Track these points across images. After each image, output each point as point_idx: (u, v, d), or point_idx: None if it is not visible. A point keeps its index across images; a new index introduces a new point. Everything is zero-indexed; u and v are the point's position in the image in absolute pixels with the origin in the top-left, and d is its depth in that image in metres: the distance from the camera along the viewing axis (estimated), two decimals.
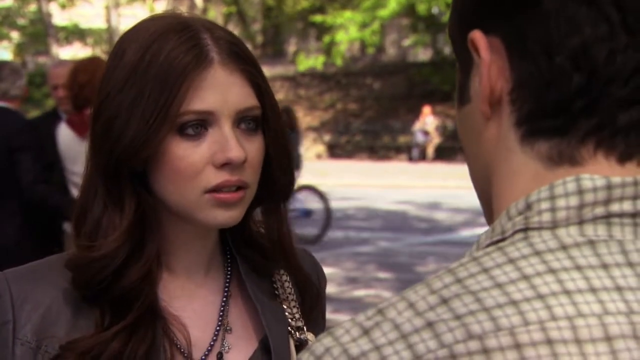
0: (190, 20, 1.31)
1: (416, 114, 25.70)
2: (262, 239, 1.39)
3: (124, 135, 1.25)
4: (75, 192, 4.22)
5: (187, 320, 1.33)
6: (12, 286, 1.28)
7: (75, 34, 33.19)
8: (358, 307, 8.12)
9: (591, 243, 0.71)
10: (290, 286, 1.42)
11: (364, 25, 25.04)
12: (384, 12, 24.50)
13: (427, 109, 25.08)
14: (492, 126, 0.78)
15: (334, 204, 12.41)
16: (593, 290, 0.68)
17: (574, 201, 0.72)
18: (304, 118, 28.64)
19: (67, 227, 4.66)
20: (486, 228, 0.79)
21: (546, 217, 0.72)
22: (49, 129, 4.85)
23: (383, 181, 20.06)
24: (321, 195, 12.06)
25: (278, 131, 1.33)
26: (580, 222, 0.72)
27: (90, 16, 33.20)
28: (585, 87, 0.73)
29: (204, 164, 1.26)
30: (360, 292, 8.81)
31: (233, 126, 1.27)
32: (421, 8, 24.27)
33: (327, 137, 28.09)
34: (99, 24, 33.22)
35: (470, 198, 10.81)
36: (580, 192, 0.72)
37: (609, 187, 0.72)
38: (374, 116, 28.22)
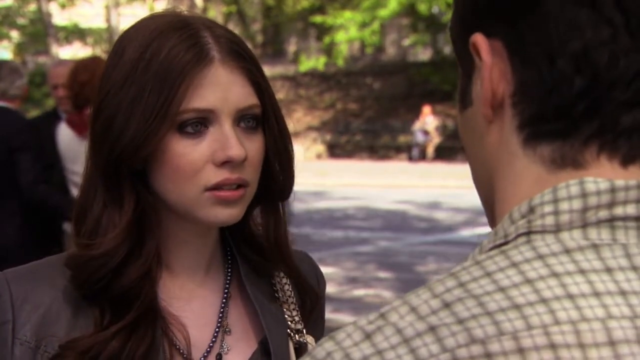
0: (191, 18, 1.31)
1: (416, 113, 25.70)
2: (261, 238, 1.39)
3: (123, 133, 1.25)
4: (75, 191, 4.22)
5: (186, 321, 1.33)
6: (12, 286, 1.28)
7: (75, 33, 33.20)
8: (358, 306, 8.12)
9: (595, 247, 0.70)
10: (290, 289, 1.41)
11: (363, 25, 25.05)
12: (383, 12, 24.50)
13: (427, 109, 25.08)
14: (494, 129, 0.77)
15: (334, 204, 12.42)
16: (597, 294, 0.68)
17: (577, 204, 0.72)
18: (304, 118, 28.65)
19: (67, 227, 4.66)
20: (486, 228, 0.78)
21: (549, 220, 0.72)
22: (49, 128, 4.85)
23: (383, 181, 20.06)
24: None
25: (278, 130, 1.33)
26: (584, 226, 0.72)
27: (90, 16, 33.21)
28: (587, 90, 0.72)
29: (204, 162, 1.26)
30: (360, 292, 8.81)
31: (233, 124, 1.27)
32: (422, 8, 24.28)
33: (327, 137, 28.09)
34: (99, 23, 33.23)
35: (470, 198, 10.82)
36: (584, 195, 0.72)
37: (613, 190, 0.72)
38: (374, 116, 28.22)
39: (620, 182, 0.72)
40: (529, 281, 0.68)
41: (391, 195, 17.38)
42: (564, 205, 0.72)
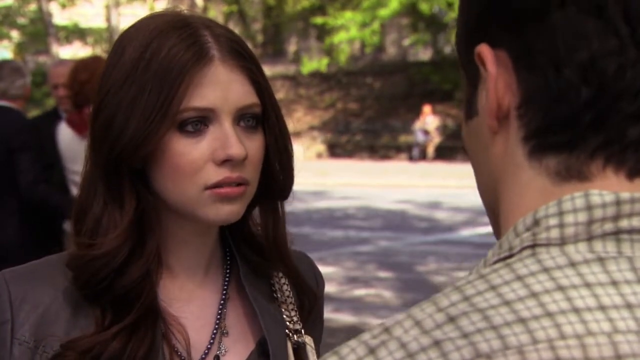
0: (190, 17, 1.31)
1: (416, 113, 25.71)
2: (261, 238, 1.39)
3: (124, 132, 1.25)
4: (75, 191, 4.22)
5: (185, 322, 1.33)
6: (10, 286, 1.28)
7: (76, 33, 33.20)
8: (358, 306, 8.12)
9: (600, 260, 0.70)
10: (289, 289, 1.41)
11: (364, 25, 25.05)
12: (384, 12, 24.50)
13: (427, 109, 25.09)
14: (500, 141, 0.76)
15: (335, 203, 12.42)
16: (602, 308, 0.67)
17: (582, 217, 0.71)
18: (305, 117, 28.66)
19: (68, 226, 4.66)
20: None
21: (554, 233, 0.71)
22: (49, 128, 4.84)
23: (383, 180, 20.06)
24: None
25: (278, 129, 1.33)
26: (589, 239, 0.71)
27: (91, 15, 33.22)
28: (593, 101, 0.72)
29: (205, 161, 1.26)
30: (360, 292, 8.81)
31: (233, 123, 1.27)
32: (424, 7, 24.27)
33: (327, 137, 28.09)
34: (99, 23, 33.23)
35: (470, 197, 10.79)
36: (589, 208, 0.71)
37: (618, 202, 0.71)
38: (374, 115, 28.22)
39: (625, 195, 0.71)
40: (534, 295, 0.68)
41: (391, 195, 17.38)
42: (569, 218, 0.71)
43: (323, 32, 28.86)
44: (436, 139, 25.32)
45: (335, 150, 27.56)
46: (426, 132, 25.22)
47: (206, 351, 1.34)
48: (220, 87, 1.26)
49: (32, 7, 32.44)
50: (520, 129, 0.75)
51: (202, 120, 1.26)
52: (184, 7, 1.49)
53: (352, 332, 6.93)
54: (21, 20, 33.47)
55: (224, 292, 1.38)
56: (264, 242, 1.38)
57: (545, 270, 0.69)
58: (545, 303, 0.67)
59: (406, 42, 30.01)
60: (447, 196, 16.76)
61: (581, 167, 0.73)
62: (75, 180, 4.55)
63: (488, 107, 0.76)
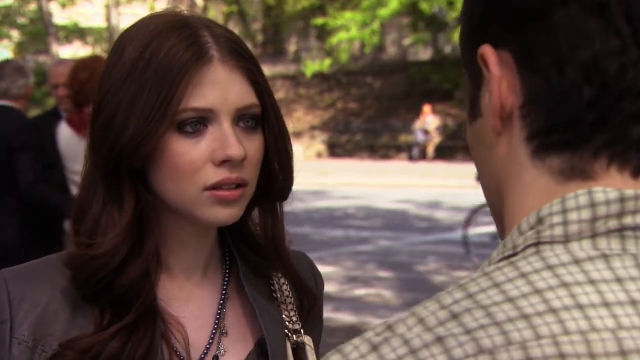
0: (190, 18, 1.31)
1: (417, 113, 25.71)
2: (260, 239, 1.39)
3: (123, 133, 1.25)
4: (76, 191, 4.22)
5: (185, 322, 1.33)
6: (9, 286, 1.28)
7: (76, 33, 33.21)
8: (358, 306, 8.12)
9: (605, 257, 0.70)
10: (289, 289, 1.41)
11: (364, 25, 25.05)
12: (384, 12, 24.50)
13: (427, 108, 25.09)
14: (503, 141, 0.77)
15: (335, 203, 12.42)
16: (607, 304, 0.67)
17: (586, 215, 0.71)
18: (305, 117, 28.65)
19: (68, 226, 4.66)
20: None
21: (558, 231, 0.71)
22: (49, 128, 4.84)
23: (383, 180, 20.06)
24: None
25: (278, 130, 1.33)
26: (594, 236, 0.71)
27: (91, 15, 33.22)
28: (596, 101, 0.72)
29: (204, 161, 1.26)
30: (360, 292, 8.81)
31: (232, 124, 1.27)
32: (424, 7, 24.27)
33: (327, 136, 28.09)
34: (99, 23, 33.24)
35: (470, 197, 10.80)
36: (593, 205, 0.71)
37: (622, 200, 0.71)
38: (374, 115, 28.23)
39: (629, 192, 0.71)
40: (538, 292, 0.68)
41: (391, 194, 17.38)
42: (573, 216, 0.71)
43: (323, 32, 28.87)
44: (436, 139, 25.32)
45: (335, 150, 27.57)
46: (426, 132, 25.22)
47: (205, 351, 1.34)
48: (220, 88, 1.26)
49: (32, 6, 32.45)
50: (523, 129, 0.75)
51: (201, 121, 1.26)
52: (184, 8, 1.49)
53: (352, 331, 6.93)
54: (21, 20, 33.48)
55: (224, 292, 1.38)
56: (262, 242, 1.38)
57: (549, 267, 0.69)
58: (549, 300, 0.67)
59: (406, 41, 30.02)
60: (447, 196, 16.76)
61: (585, 167, 0.73)
62: (75, 180, 4.55)
63: (492, 108, 0.76)
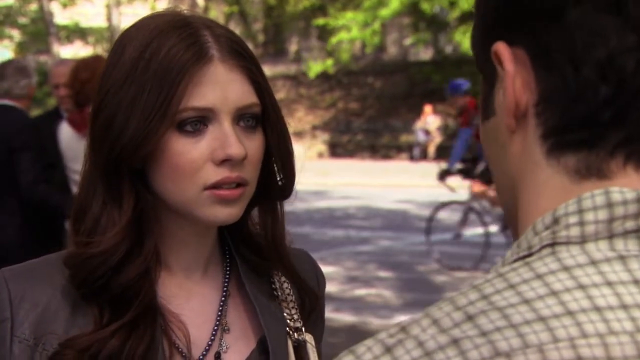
0: (190, 17, 1.31)
1: (417, 113, 25.69)
2: (260, 238, 1.39)
3: (123, 132, 1.25)
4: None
5: (185, 319, 1.33)
6: (10, 284, 1.28)
7: (76, 32, 33.21)
8: (359, 306, 8.12)
9: (622, 258, 0.69)
10: (289, 287, 1.41)
11: (365, 25, 25.04)
12: (385, 12, 24.50)
13: (428, 108, 25.07)
14: (517, 139, 0.76)
15: (335, 203, 12.42)
16: (625, 307, 0.66)
17: (603, 215, 0.70)
18: (306, 117, 28.65)
19: (68, 225, 4.66)
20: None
21: (574, 231, 0.70)
22: (50, 128, 4.84)
23: (384, 180, 20.05)
24: None
25: (278, 129, 1.33)
26: (610, 237, 0.70)
27: (91, 15, 33.22)
28: (612, 98, 0.71)
29: (204, 160, 1.26)
30: (361, 292, 8.81)
31: (233, 123, 1.27)
32: (425, 6, 24.26)
33: (328, 136, 28.08)
34: (100, 22, 33.23)
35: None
36: (610, 205, 0.70)
37: (639, 200, 0.70)
38: (375, 115, 28.22)
39: None
40: (554, 293, 0.67)
41: (392, 194, 17.37)
42: (589, 216, 0.70)
43: (324, 32, 28.86)
44: (437, 139, 25.30)
45: (336, 150, 27.56)
46: (427, 132, 25.20)
47: (207, 347, 1.34)
48: (220, 87, 1.26)
49: (33, 6, 32.45)
50: (538, 127, 0.74)
51: (201, 120, 1.26)
52: (184, 7, 1.49)
53: (353, 331, 6.94)
54: (22, 20, 33.48)
55: (225, 289, 1.38)
56: (262, 242, 1.38)
57: (566, 268, 0.68)
58: (566, 301, 0.66)
59: (407, 41, 30.00)
60: (447, 196, 16.74)
61: (601, 165, 0.72)
62: (76, 179, 4.54)
63: (506, 106, 0.75)
